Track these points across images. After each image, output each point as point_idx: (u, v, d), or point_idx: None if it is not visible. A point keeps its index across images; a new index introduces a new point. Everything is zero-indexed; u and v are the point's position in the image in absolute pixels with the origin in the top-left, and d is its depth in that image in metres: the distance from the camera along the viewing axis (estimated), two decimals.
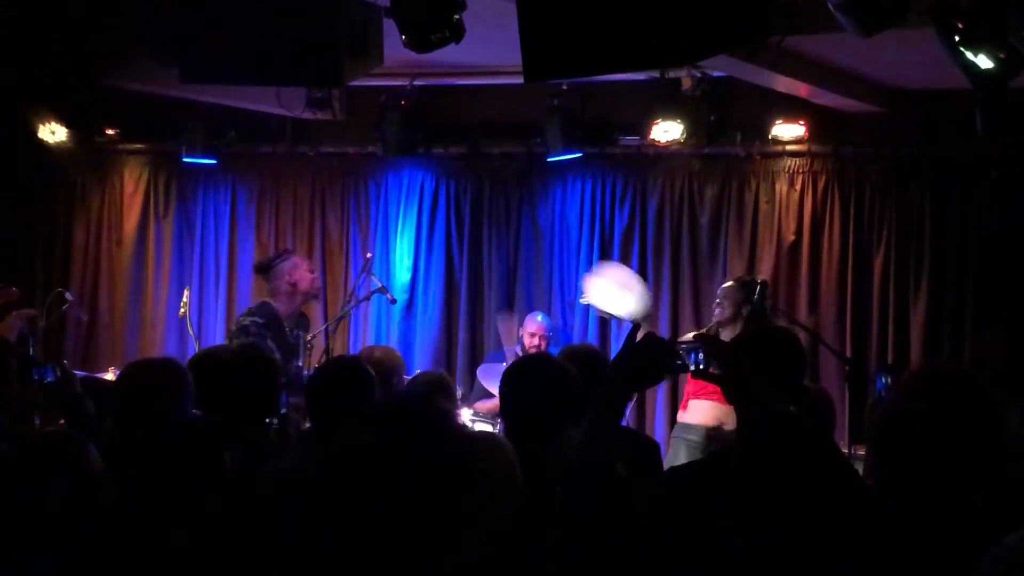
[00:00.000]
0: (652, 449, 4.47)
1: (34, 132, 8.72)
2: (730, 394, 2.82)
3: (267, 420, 4.47)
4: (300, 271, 6.60)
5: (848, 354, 7.79)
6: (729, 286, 6.99)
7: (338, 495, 2.19)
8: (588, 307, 8.48)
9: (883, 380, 5.64)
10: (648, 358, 2.78)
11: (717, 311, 6.91)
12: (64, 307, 8.01)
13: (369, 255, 8.22)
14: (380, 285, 7.63)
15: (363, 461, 2.16)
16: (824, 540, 2.56)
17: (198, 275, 9.18)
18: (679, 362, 2.84)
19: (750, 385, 2.76)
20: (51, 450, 2.87)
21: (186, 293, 7.93)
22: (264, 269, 6.65)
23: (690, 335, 7.14)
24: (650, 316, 7.58)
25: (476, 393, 7.69)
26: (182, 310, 7.82)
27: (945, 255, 7.94)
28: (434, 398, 4.36)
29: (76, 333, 9.27)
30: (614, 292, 7.40)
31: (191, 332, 8.00)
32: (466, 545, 2.13)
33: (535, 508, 2.48)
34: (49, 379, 4.48)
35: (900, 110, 7.91)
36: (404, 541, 2.10)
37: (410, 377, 5.57)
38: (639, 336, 2.80)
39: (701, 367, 2.84)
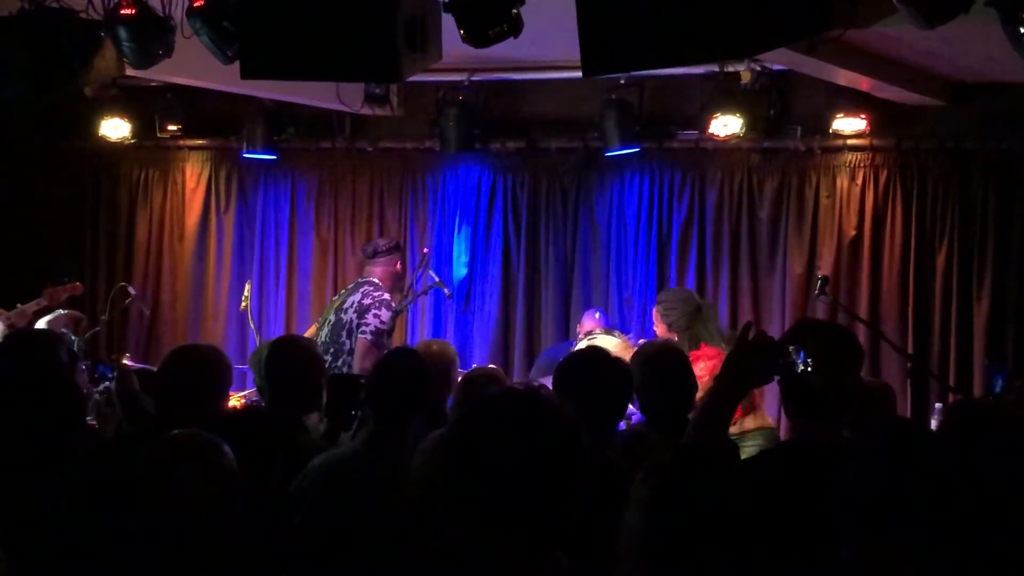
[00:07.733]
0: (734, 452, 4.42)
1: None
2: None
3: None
4: (401, 265, 7.20)
5: (910, 350, 7.71)
6: None
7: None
8: (645, 303, 8.46)
9: (1001, 379, 5.50)
10: (758, 358, 2.80)
11: None
12: (127, 301, 8.15)
13: (426, 250, 8.27)
14: (437, 280, 7.68)
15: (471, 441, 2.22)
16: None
17: (258, 269, 9.27)
18: (787, 362, 2.84)
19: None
20: (187, 450, 2.91)
21: (247, 287, 8.02)
22: (374, 254, 7.05)
23: None
24: None
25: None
26: (243, 304, 7.92)
27: (1009, 250, 7.83)
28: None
29: (138, 327, 9.40)
30: None
31: (252, 326, 8.08)
32: None
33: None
34: (107, 376, 4.56)
35: (963, 104, 7.80)
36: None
37: (464, 372, 5.57)
38: (750, 336, 2.81)
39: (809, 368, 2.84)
